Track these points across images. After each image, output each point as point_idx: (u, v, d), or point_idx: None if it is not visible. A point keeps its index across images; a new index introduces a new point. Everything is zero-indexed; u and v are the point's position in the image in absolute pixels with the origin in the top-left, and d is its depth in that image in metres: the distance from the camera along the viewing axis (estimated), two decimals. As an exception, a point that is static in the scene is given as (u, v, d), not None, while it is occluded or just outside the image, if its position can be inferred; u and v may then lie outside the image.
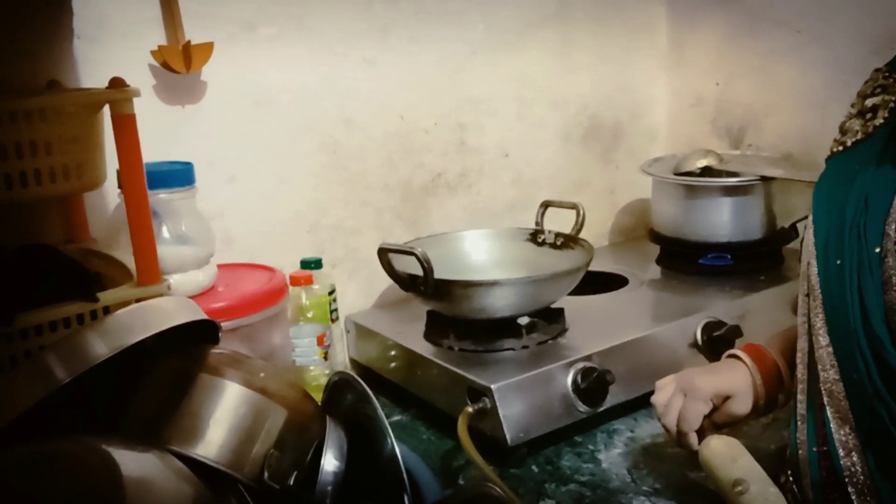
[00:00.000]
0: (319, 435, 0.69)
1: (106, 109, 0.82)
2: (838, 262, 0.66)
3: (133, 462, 0.57)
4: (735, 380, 0.80)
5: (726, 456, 0.75)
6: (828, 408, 0.67)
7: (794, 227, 1.28)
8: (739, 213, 1.25)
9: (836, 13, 1.26)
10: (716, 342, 1.06)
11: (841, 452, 0.66)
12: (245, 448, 0.65)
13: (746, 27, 1.39)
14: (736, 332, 1.07)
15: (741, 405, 0.80)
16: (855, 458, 0.65)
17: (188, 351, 0.71)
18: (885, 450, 0.64)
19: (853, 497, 0.66)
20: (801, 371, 0.72)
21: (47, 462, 0.56)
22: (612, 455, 0.93)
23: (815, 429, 0.69)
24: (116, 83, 0.80)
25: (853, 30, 1.23)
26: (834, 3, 1.26)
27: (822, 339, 0.67)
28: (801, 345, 0.72)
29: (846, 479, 0.66)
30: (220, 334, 0.76)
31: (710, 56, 1.46)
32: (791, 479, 0.74)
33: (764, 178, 1.23)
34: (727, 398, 0.80)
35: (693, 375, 0.82)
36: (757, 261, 1.26)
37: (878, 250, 0.63)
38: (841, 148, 0.73)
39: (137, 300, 0.79)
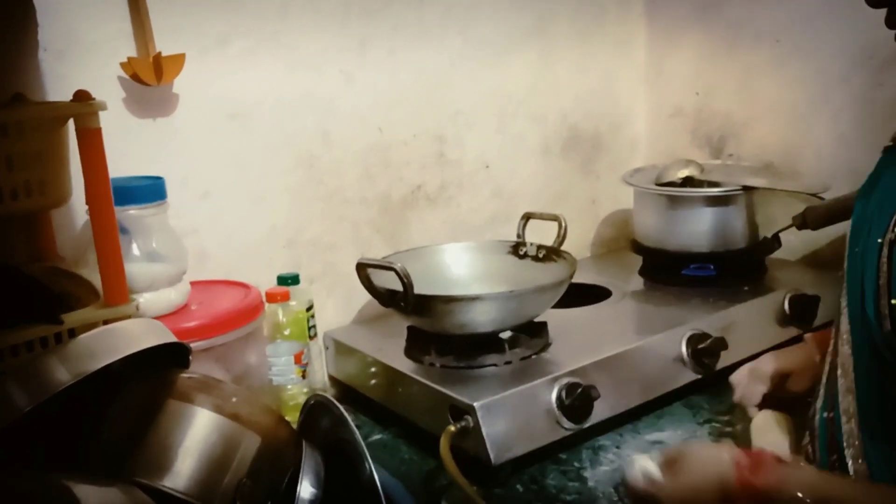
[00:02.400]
0: (295, 461, 0.66)
1: (71, 124, 0.79)
2: (857, 249, 0.71)
3: (95, 497, 0.54)
4: (795, 360, 0.89)
5: (759, 429, 0.86)
6: (840, 379, 0.72)
7: (776, 237, 1.27)
8: (722, 224, 1.24)
9: (816, 25, 1.26)
10: (701, 354, 1.05)
11: (843, 419, 0.71)
12: (216, 478, 0.62)
13: (726, 40, 1.39)
14: (721, 343, 1.06)
15: (797, 383, 0.88)
16: (853, 425, 0.70)
17: (156, 376, 0.68)
18: (874, 418, 0.69)
19: (848, 460, 0.70)
20: (831, 345, 0.78)
21: (4, 499, 0.53)
22: (599, 472, 0.91)
23: (829, 398, 0.75)
24: (81, 96, 0.77)
25: (833, 41, 1.24)
26: (814, 15, 1.26)
27: (844, 318, 0.73)
28: (836, 321, 0.77)
29: (844, 444, 0.71)
30: (190, 357, 0.73)
31: (690, 68, 1.46)
32: (808, 441, 0.80)
33: (746, 188, 1.23)
34: (787, 376, 0.89)
35: (760, 359, 0.92)
36: (740, 271, 1.25)
37: (879, 240, 0.67)
38: (891, 143, 0.76)
39: (105, 322, 0.76)
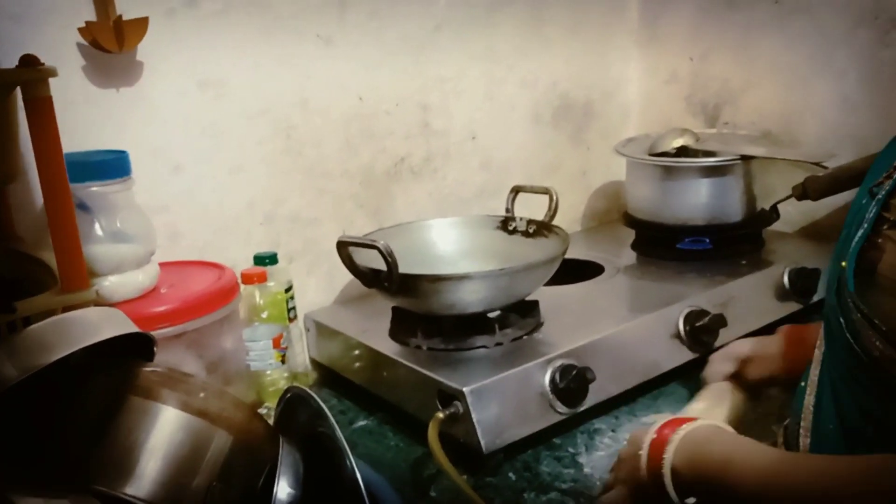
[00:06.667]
0: (271, 459, 0.61)
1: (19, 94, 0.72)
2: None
3: (45, 510, 0.49)
4: (761, 349, 0.91)
5: (707, 395, 0.90)
6: (817, 349, 0.72)
7: (774, 208, 1.23)
8: (718, 195, 1.20)
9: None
10: (699, 332, 1.01)
11: (808, 390, 0.71)
12: (183, 482, 0.57)
13: (723, -1, 1.33)
14: (720, 321, 1.01)
15: (754, 370, 0.90)
16: (812, 398, 0.70)
17: (116, 370, 0.63)
18: (827, 391, 0.68)
19: (801, 431, 0.71)
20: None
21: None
22: (594, 458, 0.87)
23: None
24: (28, 60, 0.70)
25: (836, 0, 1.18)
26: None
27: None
28: None
29: (801, 416, 0.71)
30: (155, 348, 0.67)
31: (685, 31, 1.40)
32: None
33: (744, 158, 1.18)
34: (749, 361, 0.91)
35: (736, 342, 0.95)
36: (737, 244, 1.21)
37: (864, 201, 0.67)
38: None
39: (64, 309, 0.70)
